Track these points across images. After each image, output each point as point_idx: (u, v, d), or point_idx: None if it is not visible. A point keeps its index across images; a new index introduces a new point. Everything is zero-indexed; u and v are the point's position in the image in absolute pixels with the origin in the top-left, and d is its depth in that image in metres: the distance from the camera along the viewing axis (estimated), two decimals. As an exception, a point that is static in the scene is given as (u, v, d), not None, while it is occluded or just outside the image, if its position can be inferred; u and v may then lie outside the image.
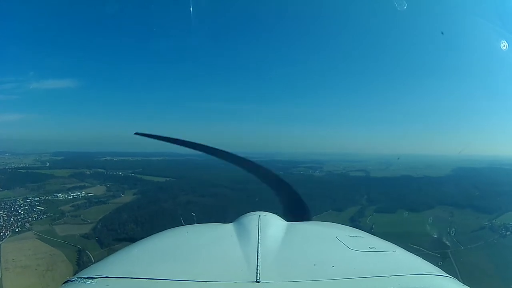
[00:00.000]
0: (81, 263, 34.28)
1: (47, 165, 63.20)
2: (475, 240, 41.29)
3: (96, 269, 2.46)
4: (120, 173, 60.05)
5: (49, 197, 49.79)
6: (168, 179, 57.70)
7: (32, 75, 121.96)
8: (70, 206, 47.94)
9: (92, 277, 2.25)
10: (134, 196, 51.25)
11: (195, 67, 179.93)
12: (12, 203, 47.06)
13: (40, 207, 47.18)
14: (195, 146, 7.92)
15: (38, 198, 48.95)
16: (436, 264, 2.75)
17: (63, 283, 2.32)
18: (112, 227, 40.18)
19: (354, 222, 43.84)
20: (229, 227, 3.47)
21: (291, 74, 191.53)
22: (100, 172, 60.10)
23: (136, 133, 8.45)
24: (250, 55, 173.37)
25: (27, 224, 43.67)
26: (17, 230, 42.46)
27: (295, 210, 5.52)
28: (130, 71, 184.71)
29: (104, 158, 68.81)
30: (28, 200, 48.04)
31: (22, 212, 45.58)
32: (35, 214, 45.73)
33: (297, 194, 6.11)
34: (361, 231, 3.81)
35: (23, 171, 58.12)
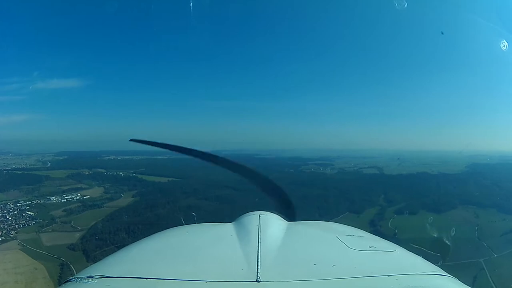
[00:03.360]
0: (62, 282, 27.89)
1: (48, 165, 57.91)
2: (507, 245, 35.84)
3: (96, 269, 2.31)
4: (121, 173, 54.25)
5: (42, 201, 44.43)
6: (170, 179, 51.63)
7: (37, 75, 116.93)
8: (62, 211, 42.33)
9: (92, 277, 2.12)
10: (133, 198, 45.46)
11: (200, 66, 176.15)
12: (2, 207, 41.86)
13: (30, 212, 41.66)
14: (190, 152, 6.07)
15: (29, 202, 43.53)
16: (436, 264, 2.60)
17: (64, 282, 2.20)
18: (101, 237, 34.69)
19: (375, 227, 38.32)
20: (229, 227, 3.23)
21: (298, 71, 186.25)
22: (100, 173, 54.44)
23: (131, 140, 6.46)
24: (259, 52, 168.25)
25: (12, 232, 38.15)
26: (1, 239, 37.15)
27: (283, 210, 4.47)
28: (135, 70, 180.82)
29: (108, 157, 63.68)
30: (19, 204, 42.68)
31: (10, 218, 40.28)
32: (23, 220, 40.23)
33: (285, 193, 5.13)
34: (361, 230, 3.50)
35: (19, 172, 52.73)
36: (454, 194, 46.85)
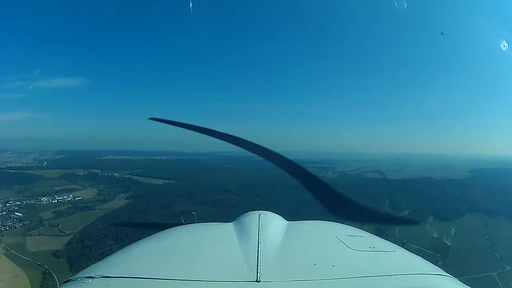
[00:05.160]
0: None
1: (45, 164, 55.78)
2: (520, 257, 33.26)
3: (96, 269, 2.26)
4: (116, 174, 51.73)
5: (32, 201, 42.00)
6: (167, 181, 48.50)
7: (38, 74, 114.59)
8: (52, 213, 39.85)
9: (92, 277, 2.09)
10: (126, 201, 42.60)
11: (203, 66, 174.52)
12: (-10, 208, 39.57)
13: (18, 213, 39.24)
14: (213, 133, 5.90)
15: (19, 202, 41.19)
16: (436, 264, 2.51)
17: (63, 282, 2.15)
18: (87, 244, 32.06)
19: (382, 236, 33.93)
20: (229, 227, 3.21)
21: (299, 73, 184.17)
22: (95, 173, 52.02)
23: (150, 118, 6.35)
24: (262, 54, 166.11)
25: (-2, 235, 35.93)
26: (-15, 242, 34.92)
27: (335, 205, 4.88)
28: (137, 70, 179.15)
29: (105, 157, 61.70)
30: (8, 205, 40.34)
31: (-3, 219, 38.03)
32: (10, 222, 37.86)
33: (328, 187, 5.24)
34: (361, 230, 3.39)
35: (12, 171, 50.51)
36: (461, 200, 44.18)
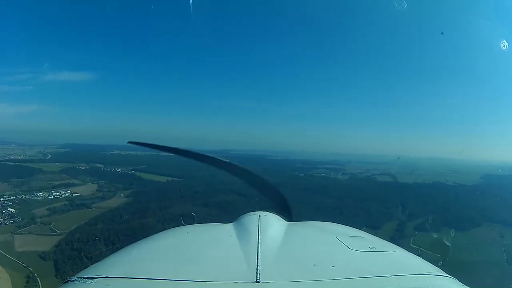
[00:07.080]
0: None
1: (48, 157, 53.34)
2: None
3: (96, 269, 2.20)
4: (119, 170, 48.94)
5: (27, 196, 39.11)
6: (171, 179, 45.86)
7: (47, 67, 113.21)
8: (46, 209, 36.98)
9: (92, 277, 2.03)
10: (126, 199, 40.09)
11: (214, 65, 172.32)
12: (-17, 202, 37.23)
13: (11, 209, 36.54)
14: (189, 154, 5.74)
15: (14, 197, 38.45)
16: (436, 264, 2.35)
17: (63, 283, 2.09)
18: (77, 247, 29.07)
19: (397, 245, 30.94)
20: (229, 227, 2.97)
21: (311, 73, 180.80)
22: (97, 168, 49.37)
23: (129, 142, 6.12)
24: (272, 54, 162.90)
25: (-14, 232, 33.32)
26: (-26, 239, 32.27)
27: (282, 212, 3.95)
28: (148, 66, 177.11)
29: (111, 152, 58.75)
30: (2, 199, 37.63)
31: (-12, 215, 35.55)
32: (1, 218, 35.19)
33: (283, 196, 4.61)
34: (361, 231, 3.17)
35: (11, 163, 47.70)
36: (476, 208, 41.66)
